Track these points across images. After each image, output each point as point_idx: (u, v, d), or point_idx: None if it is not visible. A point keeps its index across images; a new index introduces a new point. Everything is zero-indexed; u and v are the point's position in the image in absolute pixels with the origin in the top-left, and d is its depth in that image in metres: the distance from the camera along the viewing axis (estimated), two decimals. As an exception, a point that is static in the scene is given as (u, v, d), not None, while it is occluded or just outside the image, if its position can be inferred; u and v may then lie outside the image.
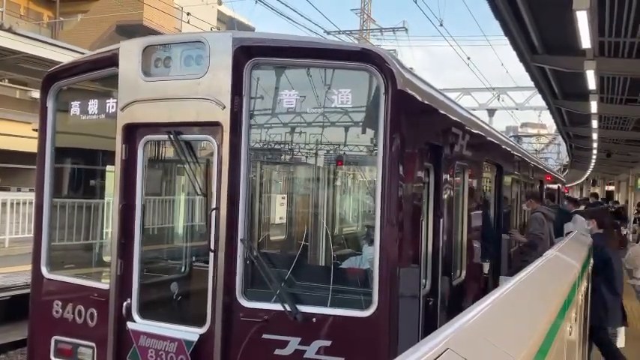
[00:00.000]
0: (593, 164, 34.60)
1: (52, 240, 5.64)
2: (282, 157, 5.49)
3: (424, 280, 5.29)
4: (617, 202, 35.61)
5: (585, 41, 8.87)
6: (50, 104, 5.61)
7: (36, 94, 20.69)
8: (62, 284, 5.45)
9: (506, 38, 10.62)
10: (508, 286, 2.31)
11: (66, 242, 6.25)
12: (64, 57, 12.97)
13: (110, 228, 5.30)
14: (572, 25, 8.57)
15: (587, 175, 49.19)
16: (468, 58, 27.56)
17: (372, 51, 4.49)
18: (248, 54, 4.61)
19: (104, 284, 5.14)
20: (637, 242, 17.78)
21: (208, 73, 4.62)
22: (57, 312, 5.35)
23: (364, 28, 34.27)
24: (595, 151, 26.93)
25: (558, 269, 3.41)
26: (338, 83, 4.49)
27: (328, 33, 25.39)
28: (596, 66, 10.38)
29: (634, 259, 15.28)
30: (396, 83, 4.24)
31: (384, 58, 4.31)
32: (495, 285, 8.13)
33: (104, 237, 6.09)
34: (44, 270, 5.52)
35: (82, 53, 12.83)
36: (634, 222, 27.58)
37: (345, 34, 28.12)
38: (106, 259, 5.50)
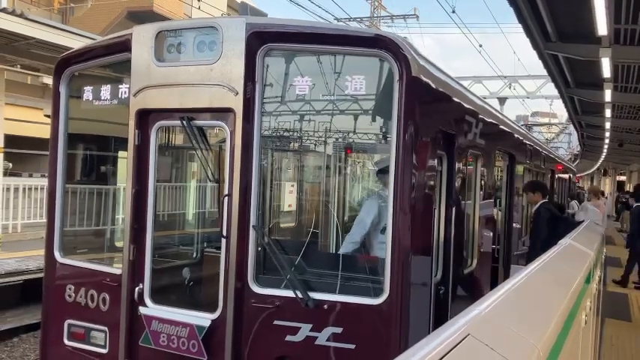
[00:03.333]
0: (604, 154, 34.33)
1: (64, 225, 5.68)
2: (297, 144, 5.47)
3: (435, 269, 5.27)
4: (628, 192, 35.31)
5: (602, 28, 8.76)
6: (63, 90, 5.62)
7: (47, 79, 20.76)
8: (75, 269, 5.49)
9: (518, 26, 10.51)
10: (525, 273, 2.30)
11: (78, 228, 6.30)
12: (76, 42, 12.96)
13: (122, 214, 5.33)
14: (587, 11, 8.46)
15: (598, 164, 48.81)
16: (480, 46, 27.36)
17: (386, 37, 4.44)
18: (261, 40, 4.58)
19: (116, 269, 5.17)
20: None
21: (221, 58, 4.59)
22: (70, 296, 5.40)
23: (375, 15, 34.00)
24: (607, 141, 26.71)
25: (573, 258, 3.39)
26: (351, 69, 4.46)
27: (339, 20, 25.25)
28: (611, 54, 10.25)
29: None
30: (411, 70, 4.19)
31: (398, 45, 4.26)
32: (507, 274, 8.11)
33: (116, 222, 6.12)
34: (57, 255, 5.56)
35: (93, 39, 12.82)
36: None
37: (356, 21, 27.95)
38: (119, 244, 5.54)
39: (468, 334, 1.37)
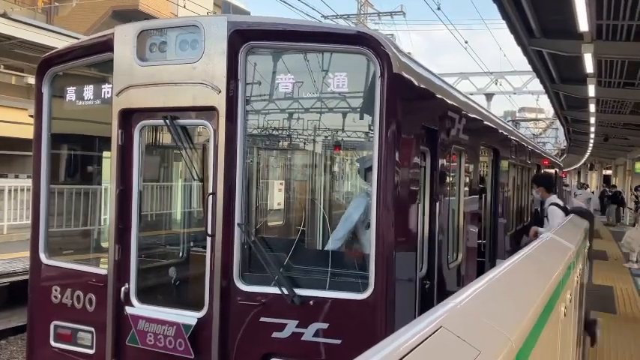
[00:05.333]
0: (590, 148, 34.67)
1: (50, 226, 5.66)
2: (279, 141, 5.49)
3: (420, 263, 5.32)
4: (614, 186, 35.69)
5: (583, 24, 8.85)
6: (46, 90, 5.59)
7: (32, 80, 20.57)
8: (61, 270, 5.47)
9: (503, 22, 10.60)
10: (503, 266, 2.33)
11: (64, 229, 6.27)
12: (60, 42, 12.89)
13: (107, 214, 5.31)
14: (570, 7, 8.55)
15: (584, 159, 49.27)
16: (466, 42, 27.51)
17: (367, 34, 4.47)
18: (243, 38, 4.59)
19: (102, 270, 5.16)
20: (633, 226, 17.86)
21: (203, 57, 4.60)
22: (56, 297, 5.38)
23: (362, 12, 34.04)
24: (592, 135, 26.97)
25: (554, 251, 3.44)
26: (334, 67, 4.48)
27: (325, 17, 25.23)
28: (593, 49, 10.36)
29: (630, 243, 15.37)
30: (392, 67, 4.22)
31: (379, 42, 4.29)
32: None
33: (102, 223, 6.11)
34: (43, 256, 5.54)
35: (78, 39, 12.73)
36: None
37: (343, 18, 27.94)
38: (104, 244, 5.53)
39: (441, 327, 1.39)
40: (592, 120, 20.78)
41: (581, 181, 60.74)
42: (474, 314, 1.62)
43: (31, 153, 5.68)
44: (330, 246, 5.27)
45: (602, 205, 33.80)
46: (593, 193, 39.08)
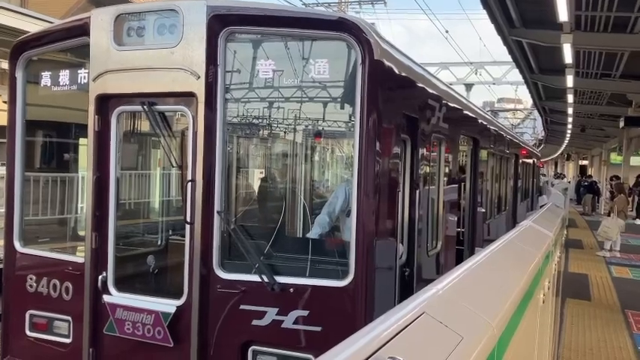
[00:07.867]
0: (567, 139, 35.18)
1: (25, 214, 5.55)
2: (259, 128, 5.43)
3: (400, 251, 5.33)
4: (590, 177, 36.27)
5: (563, 14, 8.92)
6: (19, 75, 5.45)
7: (4, 64, 20.12)
8: (36, 258, 5.38)
9: (484, 12, 10.64)
10: (484, 254, 2.34)
11: (40, 217, 6.15)
12: (34, 27, 12.57)
13: (84, 202, 5.22)
14: (549, -2, 8.60)
15: (561, 149, 49.99)
16: (447, 32, 27.63)
17: (349, 20, 4.42)
18: (223, 23, 4.51)
19: (79, 258, 5.08)
20: (608, 215, 18.18)
21: (182, 42, 4.52)
22: (31, 286, 5.29)
23: (343, 0, 33.89)
24: (570, 126, 27.36)
25: (532, 239, 3.46)
26: (314, 53, 4.43)
27: (306, 5, 25.08)
28: (572, 40, 10.46)
29: (607, 232, 15.63)
30: (373, 53, 4.19)
31: (361, 28, 4.25)
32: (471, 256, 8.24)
33: (78, 211, 6.01)
34: (17, 244, 5.43)
35: (53, 23, 12.45)
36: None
37: (324, 6, 27.82)
38: (81, 233, 5.44)
39: (423, 312, 1.38)
40: (570, 110, 21.08)
41: (558, 171, 61.63)
42: (455, 300, 1.61)
43: (3, 140, 5.55)
44: (312, 233, 5.26)
45: (578, 195, 34.35)
46: (569, 182, 39.70)
